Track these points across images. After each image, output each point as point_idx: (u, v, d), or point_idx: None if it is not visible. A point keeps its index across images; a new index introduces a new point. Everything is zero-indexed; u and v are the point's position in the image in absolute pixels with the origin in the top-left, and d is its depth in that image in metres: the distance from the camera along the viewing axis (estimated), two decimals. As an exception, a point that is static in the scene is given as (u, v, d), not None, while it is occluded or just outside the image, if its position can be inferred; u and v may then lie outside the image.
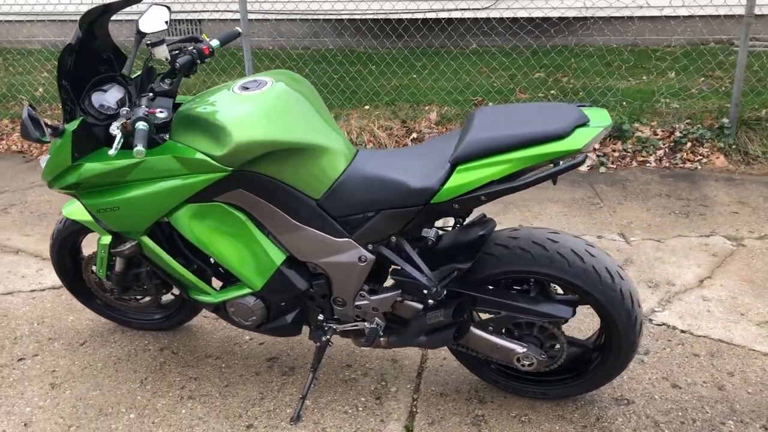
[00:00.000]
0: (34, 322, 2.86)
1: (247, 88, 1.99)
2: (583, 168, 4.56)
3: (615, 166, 4.58)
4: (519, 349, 2.05)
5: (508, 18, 6.82)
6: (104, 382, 2.45)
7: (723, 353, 2.49)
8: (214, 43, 2.21)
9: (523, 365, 2.07)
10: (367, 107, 5.50)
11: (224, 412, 2.27)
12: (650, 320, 2.72)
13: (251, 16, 7.52)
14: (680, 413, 2.19)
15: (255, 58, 6.96)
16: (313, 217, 1.99)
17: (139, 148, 1.74)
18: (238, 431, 2.19)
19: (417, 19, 7.17)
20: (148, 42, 2.05)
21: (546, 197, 4.08)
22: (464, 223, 2.11)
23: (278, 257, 2.07)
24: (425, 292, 1.96)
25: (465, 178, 1.79)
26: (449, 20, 7.05)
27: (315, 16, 7.32)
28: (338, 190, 1.96)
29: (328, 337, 2.22)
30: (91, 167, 1.98)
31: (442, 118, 5.18)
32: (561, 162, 1.75)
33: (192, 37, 2.20)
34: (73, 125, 1.95)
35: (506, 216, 3.82)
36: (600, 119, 1.77)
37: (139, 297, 2.56)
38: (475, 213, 2.09)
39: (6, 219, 4.00)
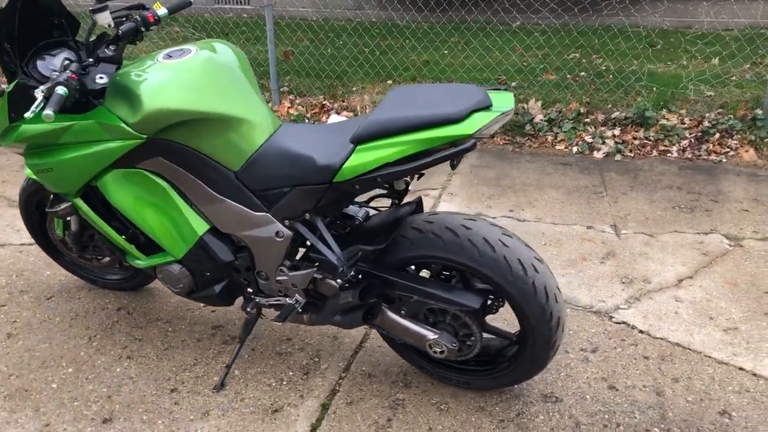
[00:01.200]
0: (14, 274, 3.00)
1: (170, 57, 2.00)
2: (598, 155, 4.38)
3: (633, 155, 4.37)
4: (430, 335, 2.00)
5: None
6: (56, 336, 2.55)
7: (675, 358, 2.35)
8: (162, 11, 2.23)
9: (434, 352, 2.03)
10: (389, 82, 5.44)
11: (155, 374, 2.33)
12: (611, 317, 2.59)
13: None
14: (606, 416, 2.09)
15: (278, 29, 7.00)
16: (231, 189, 1.99)
17: (47, 111, 1.77)
18: (162, 393, 2.24)
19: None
20: (90, 8, 2.09)
21: (548, 183, 3.94)
22: (399, 204, 2.08)
23: (200, 227, 2.09)
24: (333, 271, 1.94)
25: (362, 158, 1.74)
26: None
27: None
28: (256, 162, 1.95)
29: (253, 309, 2.23)
30: (27, 128, 2.05)
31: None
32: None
33: (138, 5, 2.22)
34: (10, 87, 2.02)
35: (500, 200, 3.72)
36: (502, 104, 1.68)
37: (99, 257, 2.65)
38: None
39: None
